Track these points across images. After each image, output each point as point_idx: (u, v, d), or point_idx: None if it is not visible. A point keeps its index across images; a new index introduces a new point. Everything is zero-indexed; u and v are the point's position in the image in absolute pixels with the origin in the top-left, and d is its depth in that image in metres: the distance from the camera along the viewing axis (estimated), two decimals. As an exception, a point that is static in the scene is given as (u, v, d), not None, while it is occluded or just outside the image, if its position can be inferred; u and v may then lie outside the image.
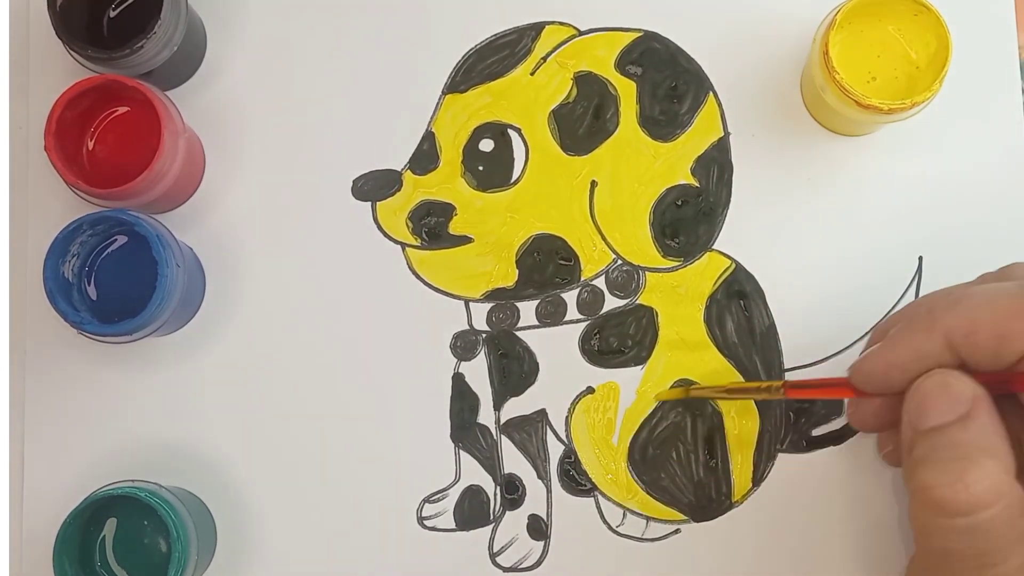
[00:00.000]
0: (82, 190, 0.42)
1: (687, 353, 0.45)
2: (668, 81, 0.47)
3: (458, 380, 0.45)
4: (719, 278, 0.45)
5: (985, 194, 0.45)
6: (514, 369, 0.45)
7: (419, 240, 0.46)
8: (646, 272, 0.46)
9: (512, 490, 0.45)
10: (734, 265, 0.45)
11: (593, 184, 0.46)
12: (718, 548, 0.44)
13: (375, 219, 0.46)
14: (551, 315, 0.46)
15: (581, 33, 0.47)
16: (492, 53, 0.47)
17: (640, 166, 0.46)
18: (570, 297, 0.46)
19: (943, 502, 0.32)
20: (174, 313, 0.43)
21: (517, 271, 0.46)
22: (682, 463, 0.44)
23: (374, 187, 0.46)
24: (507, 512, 0.45)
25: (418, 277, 0.46)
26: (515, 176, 0.46)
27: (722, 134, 0.46)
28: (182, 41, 0.44)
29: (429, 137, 0.47)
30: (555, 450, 0.45)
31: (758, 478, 0.44)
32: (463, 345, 0.46)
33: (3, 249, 0.46)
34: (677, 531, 0.44)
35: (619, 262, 0.46)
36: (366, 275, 0.46)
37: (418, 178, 0.46)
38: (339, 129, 0.47)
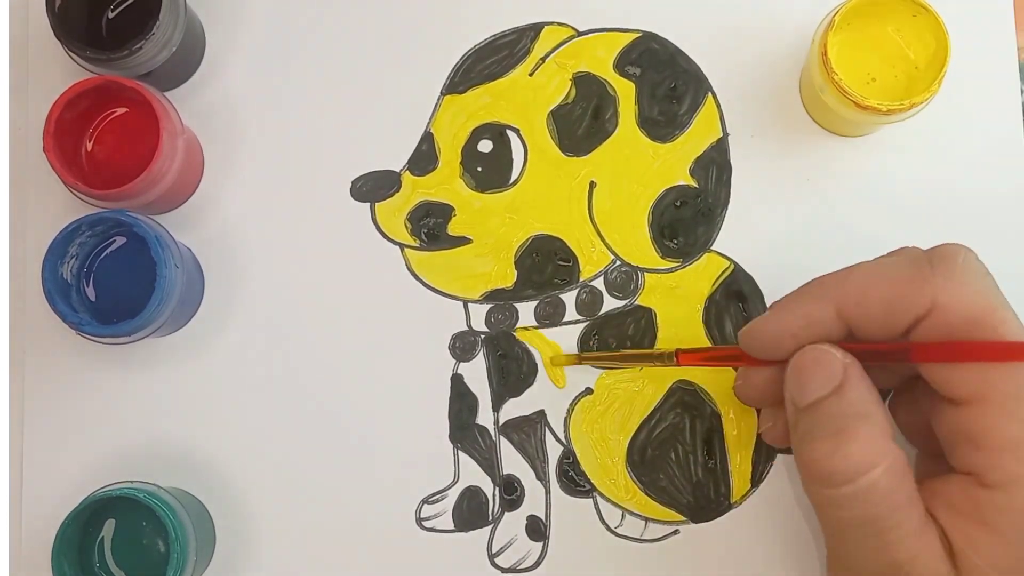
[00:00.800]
0: (81, 191, 0.42)
1: (686, 354, 0.45)
2: (667, 82, 0.46)
3: (457, 381, 0.45)
4: (718, 279, 0.45)
5: (985, 194, 0.45)
6: (513, 370, 0.45)
7: (418, 241, 0.46)
8: (645, 273, 0.46)
9: (511, 491, 0.45)
10: (733, 266, 0.45)
11: (592, 185, 0.46)
12: (717, 549, 0.44)
13: (374, 220, 0.46)
14: (550, 316, 0.46)
15: (580, 34, 0.47)
16: (491, 54, 0.47)
17: (639, 167, 0.46)
18: (569, 298, 0.46)
19: (827, 473, 0.33)
20: (173, 314, 0.43)
21: (516, 272, 0.46)
22: (681, 464, 0.44)
23: (373, 188, 0.46)
24: (506, 513, 0.45)
25: (417, 278, 0.46)
26: (514, 177, 0.46)
27: (721, 135, 0.46)
28: (181, 42, 0.44)
29: (428, 138, 0.47)
30: (554, 451, 0.45)
31: (757, 479, 0.44)
32: (462, 346, 0.46)
33: (2, 250, 0.46)
34: (676, 532, 0.44)
35: (618, 263, 0.46)
36: (365, 276, 0.46)
37: (417, 179, 0.46)
38: (338, 130, 0.47)
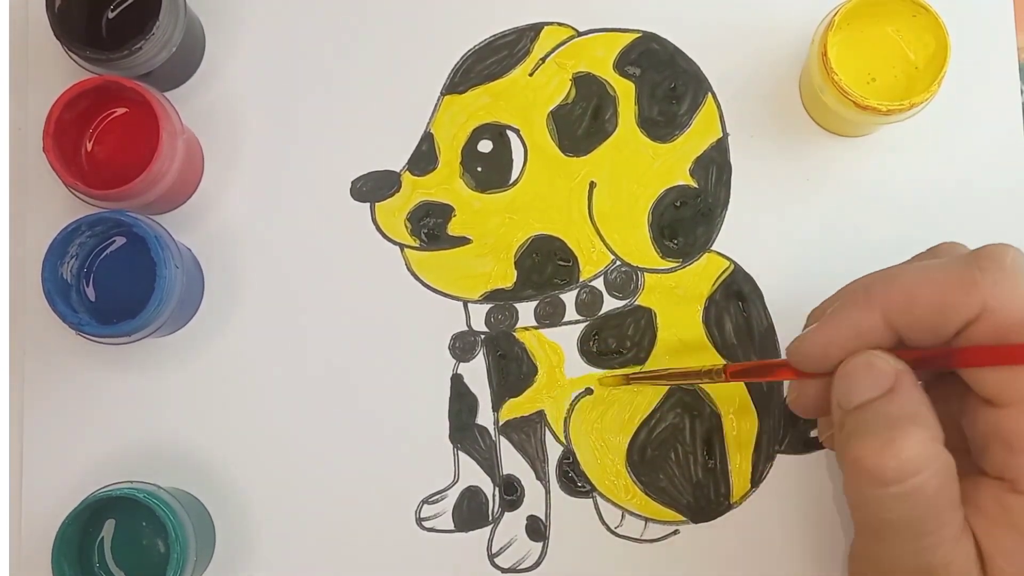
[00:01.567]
0: (80, 191, 0.42)
1: (686, 354, 0.45)
2: (667, 82, 0.46)
3: (457, 381, 0.45)
4: (718, 279, 0.45)
5: (984, 194, 0.45)
6: (512, 370, 0.45)
7: (418, 241, 0.46)
8: (645, 273, 0.46)
9: (511, 491, 0.45)
10: (733, 266, 0.45)
11: (592, 185, 0.46)
12: (717, 549, 0.44)
13: (374, 220, 0.46)
14: (550, 316, 0.46)
15: (580, 34, 0.47)
16: (491, 54, 0.47)
17: (639, 167, 0.46)
18: (569, 298, 0.46)
19: (875, 471, 0.32)
20: (173, 314, 0.43)
21: (516, 272, 0.46)
22: (681, 464, 0.44)
23: (373, 188, 0.46)
24: (506, 513, 0.45)
25: (417, 278, 0.46)
26: (514, 177, 0.46)
27: (721, 135, 0.46)
28: (180, 42, 0.44)
29: (428, 138, 0.47)
30: (554, 451, 0.45)
31: (757, 479, 0.44)
32: (462, 346, 0.46)
33: (2, 250, 0.46)
34: (676, 532, 0.44)
35: (618, 263, 0.46)
36: (365, 276, 0.46)
37: (417, 179, 0.46)
38: (338, 130, 0.47)
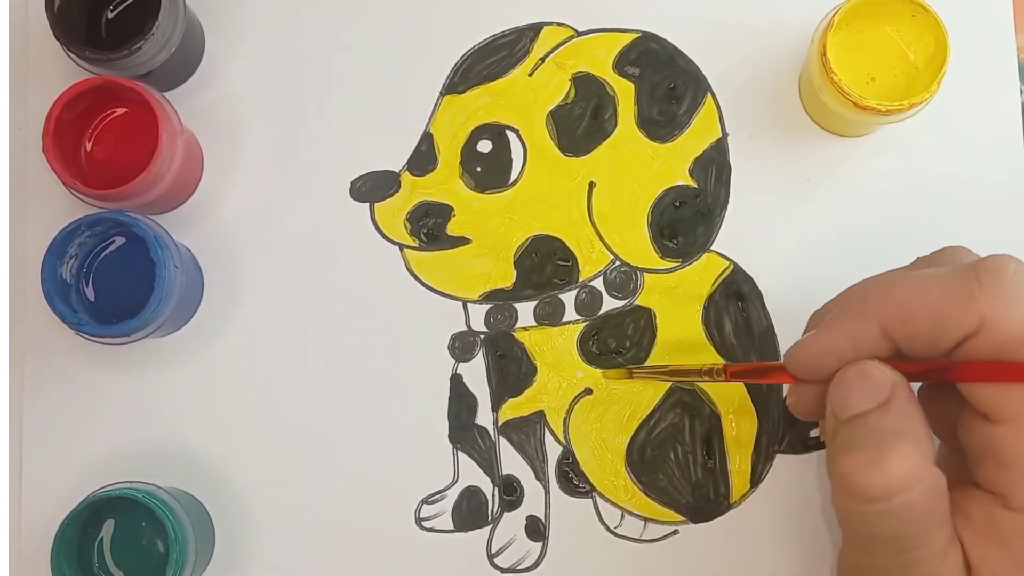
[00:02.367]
0: (80, 191, 0.42)
1: (685, 354, 0.45)
2: (666, 82, 0.46)
3: (456, 381, 0.45)
4: (717, 279, 0.45)
5: (984, 194, 0.45)
6: (512, 370, 0.45)
7: (417, 241, 0.46)
8: (644, 273, 0.46)
9: (510, 491, 0.45)
10: (732, 266, 0.45)
11: (591, 185, 0.46)
12: (716, 549, 0.44)
13: (373, 220, 0.46)
14: (549, 316, 0.46)
15: (579, 34, 0.47)
16: (490, 54, 0.47)
17: (638, 167, 0.46)
18: (568, 298, 0.46)
19: (862, 488, 0.32)
20: (172, 314, 0.43)
21: (515, 272, 0.46)
22: (680, 464, 0.44)
23: (372, 188, 0.46)
24: (505, 513, 0.45)
25: (416, 278, 0.46)
26: (513, 177, 0.46)
27: (720, 135, 0.46)
28: (180, 42, 0.44)
29: (427, 138, 0.47)
30: (553, 451, 0.45)
31: (756, 479, 0.44)
32: (461, 346, 0.46)
33: (2, 250, 0.46)
34: (675, 532, 0.44)
35: (617, 263, 0.46)
36: (364, 276, 0.46)
37: (416, 179, 0.46)
38: (337, 130, 0.47)
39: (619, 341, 0.45)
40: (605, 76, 0.47)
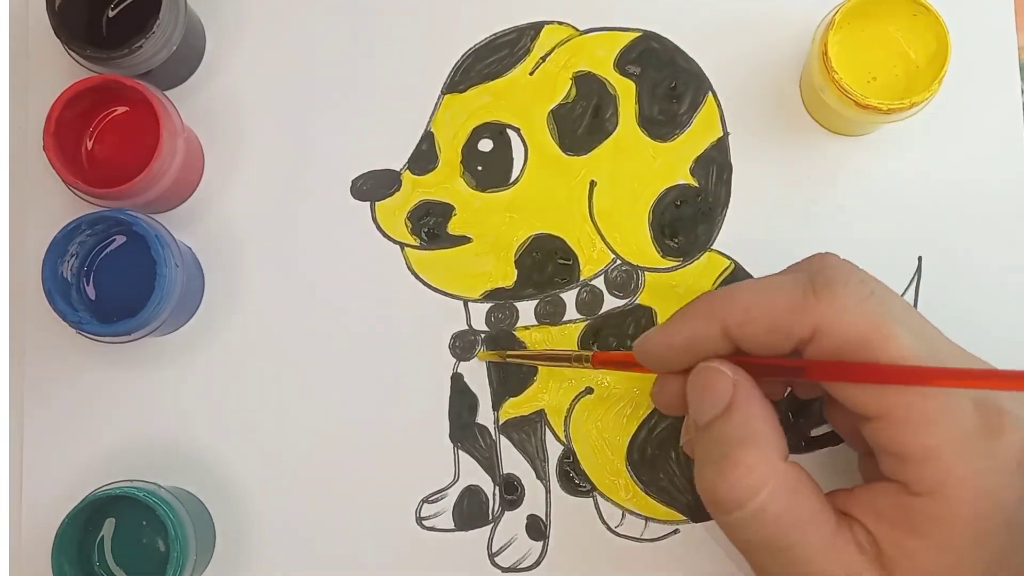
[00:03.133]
0: (81, 190, 0.42)
1: (686, 353, 0.45)
2: (667, 81, 0.46)
3: (457, 380, 0.45)
4: (718, 278, 0.45)
5: (985, 194, 0.45)
6: (513, 369, 0.45)
7: (418, 240, 0.46)
8: (645, 272, 0.46)
9: (511, 490, 0.45)
10: (733, 265, 0.45)
11: (592, 184, 0.46)
12: (717, 549, 0.44)
13: (374, 219, 0.46)
14: (550, 315, 0.46)
15: (580, 33, 0.47)
16: (491, 53, 0.47)
17: (639, 166, 0.46)
18: (569, 297, 0.46)
19: (719, 501, 0.33)
20: (173, 313, 0.43)
21: (516, 271, 0.46)
22: (681, 463, 0.44)
23: (373, 187, 0.46)
24: (506, 512, 0.45)
25: (417, 277, 0.46)
26: (514, 176, 0.46)
27: (721, 134, 0.46)
28: (181, 41, 0.44)
29: (428, 137, 0.47)
30: (554, 450, 0.45)
31: (757, 478, 0.44)
32: (462, 345, 0.45)
33: (2, 249, 0.46)
34: (676, 531, 0.44)
35: (618, 262, 0.46)
36: (365, 275, 0.46)
37: (417, 178, 0.46)
38: (338, 129, 0.47)
39: (620, 340, 0.45)
40: (606, 75, 0.47)
